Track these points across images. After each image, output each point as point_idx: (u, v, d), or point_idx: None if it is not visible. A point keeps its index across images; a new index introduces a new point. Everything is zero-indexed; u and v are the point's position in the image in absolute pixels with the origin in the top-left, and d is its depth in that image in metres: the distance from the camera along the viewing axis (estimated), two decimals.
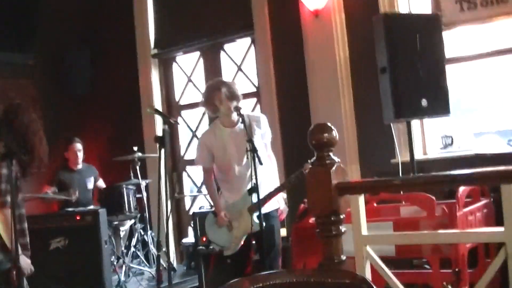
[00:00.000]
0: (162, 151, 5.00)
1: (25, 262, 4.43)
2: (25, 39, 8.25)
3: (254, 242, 5.30)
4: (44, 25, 8.63)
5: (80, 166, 7.75)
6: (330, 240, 3.03)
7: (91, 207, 7.35)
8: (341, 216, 3.04)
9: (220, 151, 5.52)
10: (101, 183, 7.88)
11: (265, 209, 5.33)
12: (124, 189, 7.25)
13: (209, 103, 5.52)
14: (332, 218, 3.00)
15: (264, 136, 5.58)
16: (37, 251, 6.18)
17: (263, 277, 2.56)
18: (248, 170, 5.32)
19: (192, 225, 6.99)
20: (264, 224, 5.22)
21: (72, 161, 7.70)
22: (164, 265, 6.14)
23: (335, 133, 3.03)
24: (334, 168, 2.98)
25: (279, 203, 5.63)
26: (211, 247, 5.99)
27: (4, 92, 8.08)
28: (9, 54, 8.18)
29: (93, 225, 6.44)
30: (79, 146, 7.70)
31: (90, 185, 7.68)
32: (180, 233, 8.16)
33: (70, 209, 7.08)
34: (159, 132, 7.94)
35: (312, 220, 5.17)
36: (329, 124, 3.04)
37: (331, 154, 3.02)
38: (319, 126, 3.03)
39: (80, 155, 7.70)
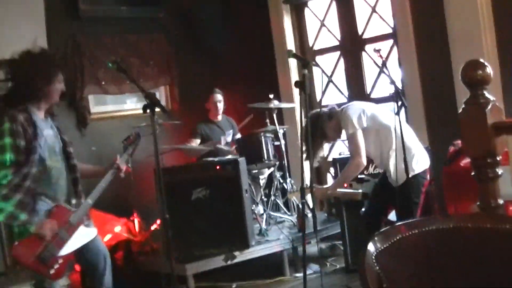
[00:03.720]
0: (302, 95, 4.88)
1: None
2: None
3: None
4: None
5: (220, 117, 7.83)
6: (486, 183, 2.85)
7: (229, 156, 7.37)
8: (498, 158, 2.85)
9: None
10: (238, 136, 7.91)
11: None
12: (262, 137, 7.21)
13: None
14: (488, 160, 2.82)
15: None
16: (180, 201, 6.42)
17: (419, 223, 2.46)
18: None
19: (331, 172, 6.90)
20: None
21: (212, 112, 7.80)
22: (305, 213, 6.12)
23: (489, 70, 2.81)
24: (489, 107, 2.79)
25: None
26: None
27: (138, 46, 8.17)
28: (140, 8, 8.09)
29: (233, 174, 6.45)
30: (219, 96, 7.76)
31: (229, 138, 7.71)
32: (320, 179, 8.08)
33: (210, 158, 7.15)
34: (294, 78, 7.90)
35: (463, 162, 4.98)
36: (482, 60, 2.84)
37: (485, 92, 2.82)
38: (472, 62, 2.83)
39: (220, 106, 7.77)
